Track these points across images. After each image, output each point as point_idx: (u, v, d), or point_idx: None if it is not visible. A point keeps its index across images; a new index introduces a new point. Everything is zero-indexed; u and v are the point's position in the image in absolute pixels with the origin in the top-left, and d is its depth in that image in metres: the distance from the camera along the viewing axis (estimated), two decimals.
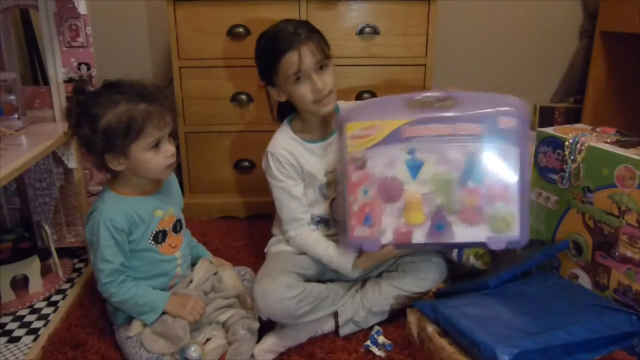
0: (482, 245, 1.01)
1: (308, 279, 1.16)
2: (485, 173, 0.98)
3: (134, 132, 0.99)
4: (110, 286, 1.04)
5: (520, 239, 1.00)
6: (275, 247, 1.27)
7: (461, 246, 1.07)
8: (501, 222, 0.99)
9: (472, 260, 1.24)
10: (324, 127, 1.21)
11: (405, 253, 1.20)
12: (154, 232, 1.09)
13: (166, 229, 1.12)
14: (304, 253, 1.21)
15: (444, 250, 1.25)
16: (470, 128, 0.98)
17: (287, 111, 1.25)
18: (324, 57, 1.14)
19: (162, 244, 1.11)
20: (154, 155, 1.03)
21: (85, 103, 1.02)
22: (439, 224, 1.01)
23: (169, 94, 1.09)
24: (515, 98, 1.00)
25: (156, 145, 1.03)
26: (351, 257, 1.13)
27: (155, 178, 1.10)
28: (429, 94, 1.02)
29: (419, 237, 1.01)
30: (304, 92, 1.13)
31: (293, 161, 1.18)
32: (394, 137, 1.00)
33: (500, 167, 0.98)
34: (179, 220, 1.16)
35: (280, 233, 1.26)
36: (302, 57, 1.10)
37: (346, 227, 1.04)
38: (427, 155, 1.00)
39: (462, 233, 1.00)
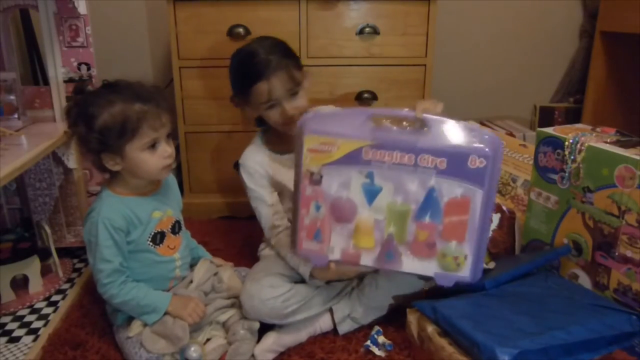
0: (428, 278, 0.98)
1: (298, 281, 1.16)
2: (444, 211, 0.93)
3: (129, 131, 0.99)
4: (111, 287, 1.04)
5: (470, 280, 0.96)
6: (265, 251, 1.28)
7: (408, 276, 1.03)
8: (451, 262, 0.95)
9: None
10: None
11: (365, 272, 1.17)
12: (152, 233, 1.09)
13: (164, 230, 1.12)
14: None
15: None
16: (435, 161, 0.91)
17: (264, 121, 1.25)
18: (295, 85, 1.15)
19: (161, 245, 1.11)
20: (150, 156, 1.03)
21: (82, 102, 1.02)
22: (388, 252, 0.97)
23: (167, 94, 1.09)
24: (492, 135, 0.91)
25: (153, 146, 1.02)
26: (309, 267, 1.13)
27: (152, 179, 1.10)
28: (397, 112, 0.96)
29: (367, 260, 0.99)
30: (275, 117, 1.17)
31: (263, 172, 1.22)
32: (353, 158, 0.94)
33: (461, 207, 0.92)
34: (177, 222, 1.16)
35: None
36: (272, 87, 1.12)
37: (296, 238, 1.01)
38: (386, 182, 0.94)
39: (410, 265, 0.96)
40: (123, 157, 1.02)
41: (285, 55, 1.16)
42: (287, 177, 1.21)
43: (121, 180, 1.08)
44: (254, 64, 1.13)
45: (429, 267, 0.96)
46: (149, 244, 1.09)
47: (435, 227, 0.94)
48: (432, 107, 0.95)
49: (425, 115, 0.92)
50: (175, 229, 1.15)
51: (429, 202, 0.93)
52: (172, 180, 1.18)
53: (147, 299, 1.05)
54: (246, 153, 1.26)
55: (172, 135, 1.08)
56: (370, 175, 0.94)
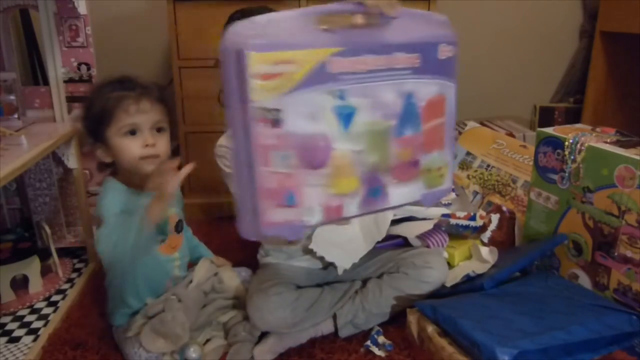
0: (414, 204, 0.82)
1: (299, 287, 1.15)
2: (423, 118, 0.75)
3: (106, 117, 1.01)
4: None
5: (449, 190, 0.83)
6: (264, 259, 1.26)
7: (393, 209, 0.84)
8: (436, 175, 0.79)
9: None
10: None
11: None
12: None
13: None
14: (291, 262, 1.20)
15: None
16: (408, 60, 0.73)
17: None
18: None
19: (163, 243, 1.10)
20: (128, 142, 1.02)
21: (86, 100, 1.07)
22: (374, 188, 0.75)
23: (168, 91, 1.09)
24: (442, 17, 0.78)
25: (133, 133, 1.02)
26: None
27: (135, 170, 1.04)
28: (345, 6, 0.70)
29: (351, 209, 0.74)
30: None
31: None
32: (319, 75, 0.67)
33: (437, 108, 0.77)
34: (180, 220, 1.15)
35: (267, 244, 1.24)
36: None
37: (253, 211, 0.69)
38: (361, 99, 0.71)
39: (397, 195, 0.77)
40: (108, 146, 1.03)
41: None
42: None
43: (122, 176, 1.07)
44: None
45: (415, 191, 0.78)
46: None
47: (416, 139, 0.76)
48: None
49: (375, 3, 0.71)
50: (179, 227, 1.14)
51: (408, 111, 0.75)
52: None
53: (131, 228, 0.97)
54: (218, 141, 1.19)
55: (172, 135, 1.07)
56: (342, 95, 0.70)
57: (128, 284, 1.09)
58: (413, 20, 0.74)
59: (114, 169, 1.09)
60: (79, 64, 1.45)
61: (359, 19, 0.70)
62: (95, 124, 1.02)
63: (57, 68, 1.39)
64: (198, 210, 1.77)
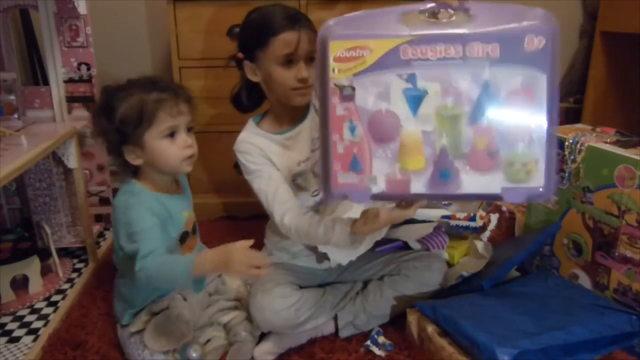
0: (495, 197, 0.84)
1: (304, 287, 1.15)
2: (504, 107, 0.79)
3: (146, 119, 0.98)
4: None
5: (543, 191, 0.79)
6: (268, 259, 1.26)
7: (471, 198, 0.88)
8: (520, 170, 0.79)
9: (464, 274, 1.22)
10: (291, 117, 1.17)
11: (409, 218, 1.07)
12: (181, 232, 1.08)
13: (188, 230, 1.11)
14: (295, 261, 1.20)
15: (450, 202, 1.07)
16: (486, 50, 0.78)
17: (246, 100, 1.21)
18: (315, 53, 1.06)
19: (183, 245, 1.10)
20: (169, 144, 1.01)
21: (108, 96, 1.02)
22: (443, 170, 0.81)
23: (189, 89, 1.08)
24: (541, 10, 0.82)
25: (171, 135, 1.01)
26: (347, 223, 1.00)
27: (174, 172, 1.07)
28: (433, 4, 0.81)
29: (418, 186, 0.82)
30: (287, 77, 1.08)
31: (260, 153, 1.14)
32: (390, 60, 0.79)
33: (524, 99, 0.79)
34: (195, 222, 1.15)
35: (270, 243, 1.24)
36: (301, 40, 1.06)
37: (328, 174, 0.84)
38: (431, 83, 0.79)
39: (471, 183, 0.80)
40: (143, 148, 1.01)
41: (309, 21, 1.11)
42: (287, 158, 1.14)
43: (145, 179, 1.06)
44: (284, 14, 1.08)
45: (494, 182, 0.80)
46: (178, 244, 1.07)
47: (496, 129, 0.79)
48: None
49: (465, 1, 0.79)
50: (195, 229, 1.14)
51: (485, 99, 0.79)
52: (184, 180, 1.17)
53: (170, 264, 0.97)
54: (239, 138, 1.18)
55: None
56: (412, 78, 0.79)
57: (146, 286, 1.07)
58: (501, 11, 0.80)
59: (136, 172, 1.06)
60: (79, 64, 1.45)
61: (444, 16, 0.80)
62: (130, 127, 0.99)
63: (57, 68, 1.39)
64: (198, 211, 1.76)
